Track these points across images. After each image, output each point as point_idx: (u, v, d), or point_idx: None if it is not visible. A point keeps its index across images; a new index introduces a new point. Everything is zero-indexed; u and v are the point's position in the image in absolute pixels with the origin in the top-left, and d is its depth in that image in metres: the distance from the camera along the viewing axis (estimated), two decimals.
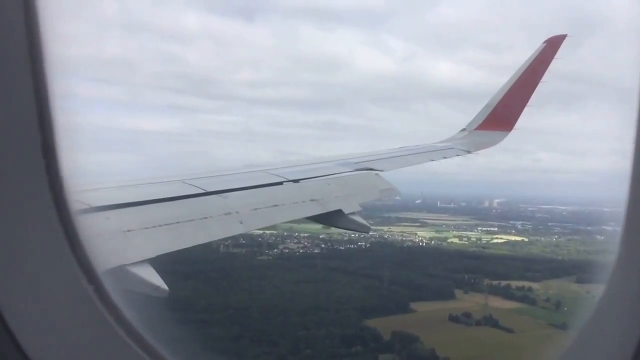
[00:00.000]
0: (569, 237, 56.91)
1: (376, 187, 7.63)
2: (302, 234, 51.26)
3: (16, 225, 1.68)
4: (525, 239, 57.81)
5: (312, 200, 6.31)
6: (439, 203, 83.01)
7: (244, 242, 45.19)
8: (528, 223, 66.79)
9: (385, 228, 62.65)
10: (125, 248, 4.10)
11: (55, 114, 1.71)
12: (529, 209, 77.96)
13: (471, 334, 32.16)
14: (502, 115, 12.73)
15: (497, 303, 36.78)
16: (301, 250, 50.61)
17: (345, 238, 55.66)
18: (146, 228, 4.43)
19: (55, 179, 1.73)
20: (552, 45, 12.48)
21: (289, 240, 51.33)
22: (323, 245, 52.11)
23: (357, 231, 6.66)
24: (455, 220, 71.26)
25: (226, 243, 41.36)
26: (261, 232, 40.49)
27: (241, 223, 5.23)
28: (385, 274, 41.37)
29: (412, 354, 28.53)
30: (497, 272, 43.27)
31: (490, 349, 28.91)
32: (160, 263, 4.39)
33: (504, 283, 40.45)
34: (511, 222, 67.35)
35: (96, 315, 1.82)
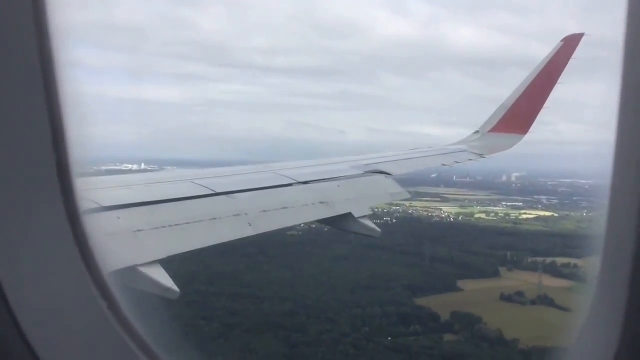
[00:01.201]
0: (600, 212, 56.14)
1: (387, 191, 7.57)
2: None
3: (24, 224, 1.65)
4: (556, 214, 57.10)
5: (322, 202, 6.21)
6: (455, 177, 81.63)
7: None
8: (553, 198, 66.04)
9: (407, 203, 61.89)
10: (136, 248, 4.07)
11: (65, 104, 1.65)
12: (549, 183, 77.01)
13: (529, 314, 31.49)
14: (517, 117, 12.26)
15: (547, 281, 36.09)
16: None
17: (370, 213, 54.98)
18: (156, 228, 4.38)
19: (65, 176, 1.71)
20: (569, 44, 11.97)
21: None
22: None
23: (367, 235, 6.49)
24: (476, 195, 70.70)
25: None
26: None
27: (250, 225, 5.17)
28: (425, 251, 40.65)
29: (477, 335, 27.78)
30: (538, 249, 42.62)
31: (554, 329, 28.19)
32: None
33: (548, 260, 39.72)
34: (535, 196, 66.73)
35: (102, 317, 1.82)
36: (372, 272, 37.22)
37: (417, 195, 64.60)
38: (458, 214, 59.50)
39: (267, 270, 37.65)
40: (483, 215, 58.74)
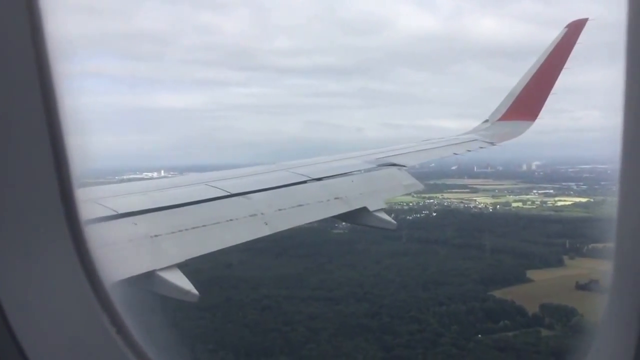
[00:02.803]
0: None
1: (400, 183, 7.56)
2: None
3: (24, 232, 1.64)
4: (592, 200, 56.63)
5: (336, 198, 6.25)
6: (475, 168, 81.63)
7: None
8: (581, 183, 65.66)
9: (439, 195, 61.53)
10: (154, 253, 4.09)
11: (64, 111, 1.62)
12: (570, 170, 76.84)
13: None
14: (525, 104, 12.43)
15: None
16: None
17: (406, 207, 54.36)
18: (173, 232, 4.44)
19: (65, 185, 1.67)
20: (574, 30, 12.10)
21: None
22: (392, 215, 50.19)
23: (383, 228, 6.46)
24: (503, 184, 70.35)
25: None
26: None
27: (266, 224, 5.21)
28: (485, 243, 39.99)
29: (576, 329, 26.89)
30: (592, 235, 41.94)
31: None
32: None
33: (608, 246, 39.11)
34: (563, 183, 66.38)
35: (100, 327, 1.81)
36: (436, 267, 36.38)
37: (445, 187, 64.33)
38: (494, 204, 58.93)
39: (331, 271, 36.74)
40: (519, 204, 58.23)
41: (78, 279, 1.76)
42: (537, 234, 43.74)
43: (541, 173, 76.12)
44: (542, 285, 34.05)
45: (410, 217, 52.68)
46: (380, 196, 6.75)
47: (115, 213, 4.19)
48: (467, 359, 24.19)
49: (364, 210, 6.25)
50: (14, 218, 1.60)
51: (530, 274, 35.92)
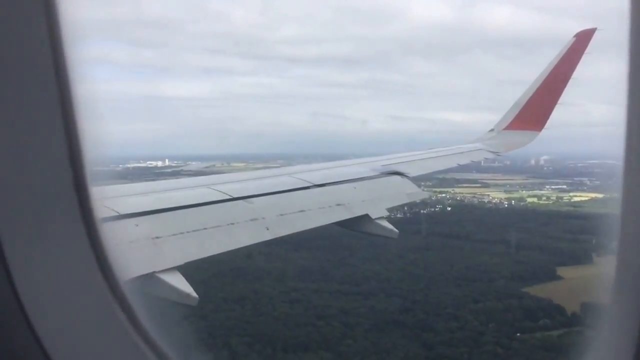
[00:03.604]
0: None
1: (403, 192, 7.55)
2: None
3: (40, 231, 1.64)
4: (608, 196, 55.68)
5: (338, 205, 6.25)
6: (482, 162, 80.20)
7: None
8: (593, 179, 64.68)
9: (450, 190, 60.45)
10: (154, 255, 4.10)
11: (80, 107, 1.60)
12: (579, 164, 75.84)
13: None
14: (532, 114, 12.28)
15: None
16: None
17: (418, 201, 53.20)
18: (174, 235, 4.46)
19: (81, 183, 1.67)
20: (582, 39, 11.94)
21: None
22: (405, 208, 49.25)
23: (385, 236, 6.41)
24: (514, 179, 69.41)
25: None
26: None
27: (267, 229, 5.20)
28: (510, 239, 38.93)
29: None
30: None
31: None
32: None
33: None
34: (575, 178, 65.56)
35: (117, 323, 1.80)
36: (463, 263, 35.28)
37: (455, 182, 63.11)
38: (508, 199, 57.99)
39: (354, 264, 35.55)
40: (534, 199, 57.38)
41: (93, 272, 1.72)
42: (560, 230, 42.74)
43: (550, 168, 75.17)
44: (576, 282, 32.99)
45: (425, 211, 51.57)
46: (382, 204, 6.73)
47: (116, 214, 4.14)
48: (514, 359, 23.10)
49: (365, 217, 6.21)
50: (30, 211, 1.57)
51: (561, 271, 34.88)
